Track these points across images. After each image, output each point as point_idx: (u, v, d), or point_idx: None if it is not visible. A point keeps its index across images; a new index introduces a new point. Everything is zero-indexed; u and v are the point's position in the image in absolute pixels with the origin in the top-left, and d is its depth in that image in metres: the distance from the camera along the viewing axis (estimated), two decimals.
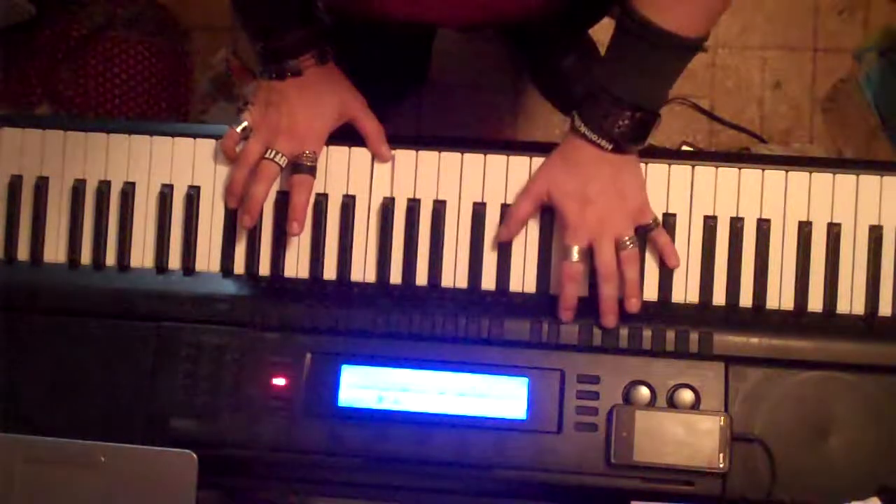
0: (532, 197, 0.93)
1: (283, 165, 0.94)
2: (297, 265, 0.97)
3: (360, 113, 0.97)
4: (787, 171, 0.95)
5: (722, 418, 0.87)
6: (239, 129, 0.95)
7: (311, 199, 0.96)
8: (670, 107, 1.63)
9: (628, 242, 0.90)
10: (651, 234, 0.93)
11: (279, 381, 0.91)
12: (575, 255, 0.90)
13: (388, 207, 0.97)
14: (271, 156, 0.94)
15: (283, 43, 0.94)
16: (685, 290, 0.94)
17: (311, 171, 0.95)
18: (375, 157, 0.97)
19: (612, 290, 0.90)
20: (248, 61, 1.67)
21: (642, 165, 0.95)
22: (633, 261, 0.91)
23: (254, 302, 0.95)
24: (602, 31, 1.54)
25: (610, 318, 0.90)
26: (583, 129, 0.90)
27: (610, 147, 0.89)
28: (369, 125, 0.97)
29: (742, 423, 0.88)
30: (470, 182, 0.96)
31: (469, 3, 1.00)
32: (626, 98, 0.88)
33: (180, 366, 0.92)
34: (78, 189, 0.99)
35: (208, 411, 0.91)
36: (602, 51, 0.95)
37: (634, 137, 0.90)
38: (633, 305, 0.91)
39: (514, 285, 0.95)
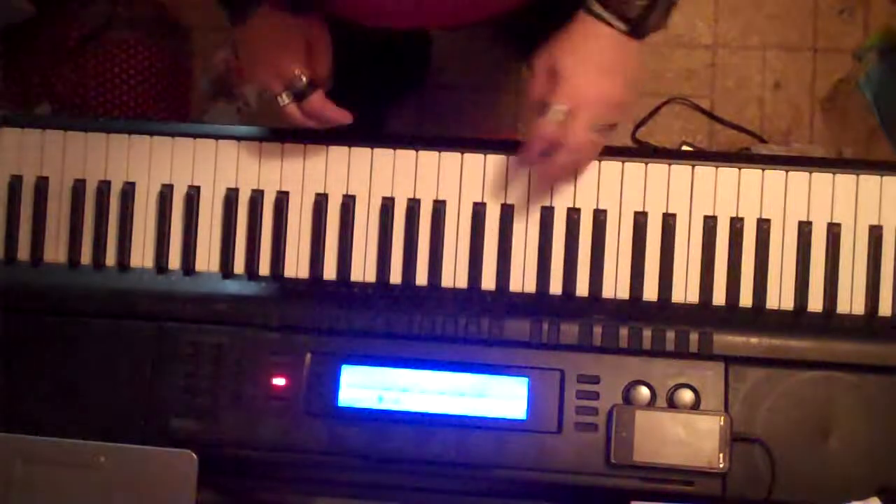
0: (539, 71, 0.90)
1: (290, 100, 0.93)
2: (297, 265, 0.97)
3: (320, 47, 0.95)
4: (787, 171, 0.95)
5: (722, 418, 0.87)
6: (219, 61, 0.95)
7: (312, 201, 0.95)
8: (670, 107, 1.63)
9: (599, 127, 0.89)
10: (612, 127, 0.91)
11: (279, 381, 0.91)
12: (559, 115, 0.87)
13: (388, 207, 0.97)
14: (282, 101, 0.93)
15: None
16: (685, 290, 0.94)
17: (309, 89, 0.93)
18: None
19: (565, 161, 0.90)
20: None
21: (642, 165, 0.95)
22: (596, 148, 0.91)
23: (254, 302, 0.95)
24: None
25: (544, 184, 0.94)
26: (597, 8, 0.87)
27: (625, 28, 0.87)
28: (320, 65, 0.95)
29: (742, 423, 0.88)
30: (470, 182, 0.97)
31: (455, 3, 0.99)
32: None
33: (180, 366, 0.92)
34: (78, 189, 0.99)
35: (208, 411, 0.91)
36: None
37: (652, 19, 0.87)
38: (566, 180, 0.94)
39: (514, 285, 0.95)
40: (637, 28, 0.87)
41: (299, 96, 0.93)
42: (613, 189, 0.95)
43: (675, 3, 0.89)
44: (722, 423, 0.87)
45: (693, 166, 0.96)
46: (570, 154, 0.90)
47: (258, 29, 0.94)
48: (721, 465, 0.87)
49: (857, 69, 1.61)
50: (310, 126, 0.94)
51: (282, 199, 0.97)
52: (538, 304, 0.94)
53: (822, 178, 0.95)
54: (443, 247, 0.96)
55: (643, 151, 0.93)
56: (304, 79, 0.93)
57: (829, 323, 0.93)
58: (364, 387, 0.91)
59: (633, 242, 0.95)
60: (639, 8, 0.86)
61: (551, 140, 0.89)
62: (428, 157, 0.97)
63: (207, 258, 0.98)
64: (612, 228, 0.95)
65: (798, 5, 1.65)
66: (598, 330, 0.91)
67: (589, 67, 0.88)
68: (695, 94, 1.64)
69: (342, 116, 0.94)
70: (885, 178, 0.94)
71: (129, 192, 0.99)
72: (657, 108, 1.63)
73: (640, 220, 0.95)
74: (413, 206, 0.97)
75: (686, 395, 0.89)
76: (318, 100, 0.93)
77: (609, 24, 0.87)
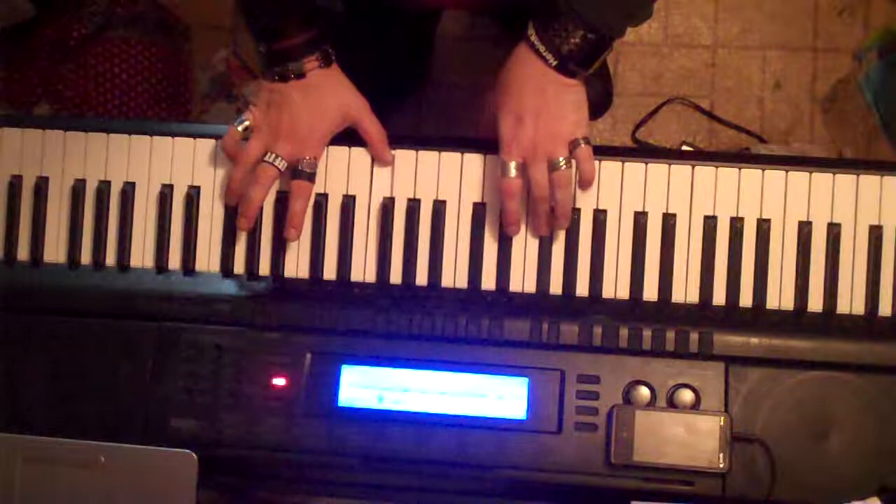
0: (488, 110, 0.94)
1: (283, 169, 0.94)
2: (297, 265, 0.97)
3: (363, 115, 0.96)
4: (787, 171, 0.95)
5: (722, 418, 0.87)
6: (240, 127, 0.95)
7: (311, 202, 0.96)
8: (670, 107, 1.63)
9: (561, 164, 0.90)
10: (576, 150, 0.92)
11: (279, 381, 0.91)
12: (512, 171, 0.91)
13: (388, 207, 0.97)
14: (271, 159, 0.93)
15: (287, 45, 0.93)
16: (685, 290, 0.94)
17: (311, 177, 0.95)
18: (376, 160, 0.97)
19: (543, 210, 0.92)
20: (248, 61, 1.67)
21: (642, 165, 0.95)
22: (565, 182, 0.91)
23: (254, 302, 0.95)
24: None
25: (543, 232, 0.94)
26: (533, 38, 0.90)
27: (555, 63, 0.89)
28: (372, 128, 0.96)
29: (742, 423, 0.88)
30: (470, 182, 0.97)
31: None
32: (584, 15, 0.88)
33: (180, 366, 0.92)
34: (78, 189, 0.99)
35: (208, 411, 0.91)
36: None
37: (581, 60, 0.90)
38: (561, 226, 0.93)
39: (514, 285, 0.95)
40: (565, 64, 0.89)
41: (293, 174, 0.94)
42: (613, 189, 0.95)
43: (607, 50, 0.91)
44: (722, 423, 0.87)
45: (693, 166, 0.96)
46: (542, 202, 0.92)
47: (299, 91, 0.94)
48: (721, 465, 0.87)
49: (857, 69, 1.61)
50: (253, 197, 0.94)
51: (282, 200, 0.97)
52: (538, 304, 0.94)
53: (822, 178, 0.95)
54: (443, 247, 0.96)
55: (643, 151, 0.93)
56: (314, 166, 0.94)
57: (829, 323, 0.93)
58: (364, 387, 0.91)
59: (633, 242, 0.95)
60: (571, 45, 0.88)
61: (516, 194, 0.91)
62: (428, 157, 0.97)
63: (207, 258, 0.98)
64: (612, 228, 0.95)
65: (798, 5, 1.65)
66: (598, 330, 0.91)
67: (523, 120, 0.90)
68: (695, 94, 1.64)
69: (296, 228, 0.95)
70: (885, 178, 0.94)
71: (129, 192, 0.99)
72: (657, 108, 1.63)
73: (640, 220, 0.95)
74: (413, 206, 0.97)
75: (686, 395, 0.89)
76: (307, 187, 0.94)
77: (542, 58, 0.89)
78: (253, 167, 0.94)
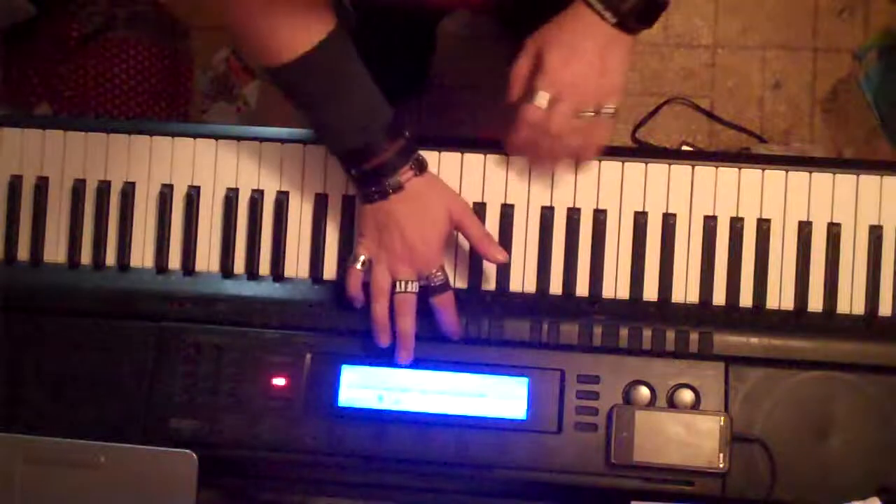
0: (527, 52, 0.91)
1: (416, 291, 0.90)
2: (297, 265, 0.97)
3: (465, 216, 0.92)
4: (787, 171, 0.95)
5: (722, 418, 0.87)
6: (359, 266, 0.91)
7: (311, 212, 0.95)
8: (670, 107, 1.63)
9: (585, 115, 0.89)
10: (599, 114, 0.90)
11: (279, 381, 0.91)
12: (543, 101, 0.88)
13: None
14: (402, 287, 0.90)
15: (379, 162, 0.90)
16: (685, 290, 0.94)
17: (445, 286, 0.91)
18: (487, 260, 0.93)
19: (548, 145, 0.91)
20: (248, 61, 1.67)
21: (642, 165, 0.95)
22: (580, 132, 0.90)
23: (254, 302, 0.95)
24: None
25: (542, 163, 0.95)
26: None
27: (614, 21, 0.88)
28: (475, 229, 0.92)
29: (742, 423, 0.88)
30: (470, 182, 0.96)
31: None
32: None
33: (180, 366, 0.92)
34: (78, 189, 0.99)
35: (208, 411, 0.91)
36: None
37: (640, 17, 0.89)
38: (554, 167, 0.95)
39: (514, 285, 0.95)
40: (625, 22, 0.88)
41: (429, 291, 0.90)
42: (613, 189, 0.95)
43: (665, 5, 0.90)
44: (722, 423, 0.87)
45: (693, 166, 0.96)
46: (553, 139, 0.90)
47: (402, 205, 0.90)
48: (721, 465, 0.87)
49: (857, 69, 1.61)
50: (405, 330, 0.89)
51: (282, 199, 0.97)
52: (538, 304, 0.94)
53: (822, 178, 0.95)
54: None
55: (643, 151, 0.93)
56: (442, 276, 0.90)
57: (829, 323, 0.93)
58: (364, 387, 0.91)
59: (633, 242, 0.95)
60: (630, 3, 0.87)
61: (536, 124, 0.90)
62: (428, 158, 0.97)
63: (207, 258, 0.98)
64: (612, 228, 0.95)
65: (798, 5, 1.65)
66: (598, 330, 0.91)
67: (574, 58, 0.88)
68: (695, 94, 1.64)
69: (455, 325, 0.91)
70: (885, 178, 0.94)
71: (129, 192, 0.99)
72: (657, 108, 1.63)
73: (640, 220, 0.95)
74: None
75: (686, 395, 0.89)
76: (447, 298, 0.90)
77: (600, 16, 0.88)
78: (389, 297, 0.90)
